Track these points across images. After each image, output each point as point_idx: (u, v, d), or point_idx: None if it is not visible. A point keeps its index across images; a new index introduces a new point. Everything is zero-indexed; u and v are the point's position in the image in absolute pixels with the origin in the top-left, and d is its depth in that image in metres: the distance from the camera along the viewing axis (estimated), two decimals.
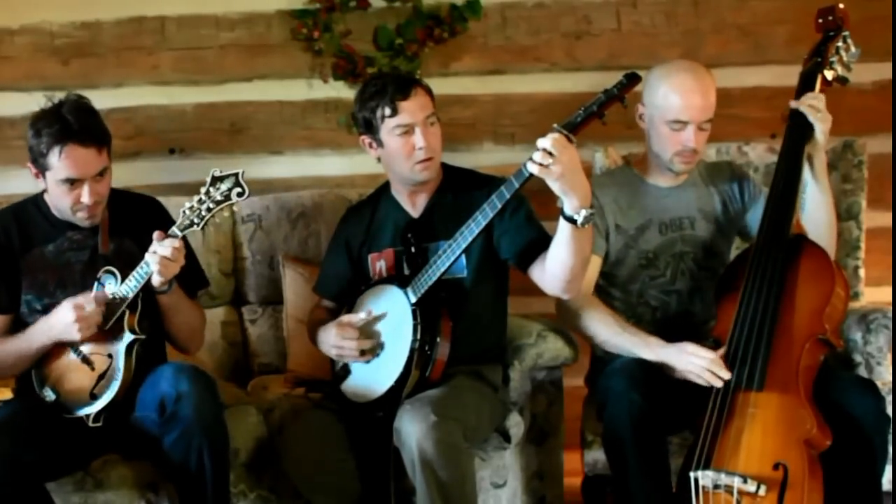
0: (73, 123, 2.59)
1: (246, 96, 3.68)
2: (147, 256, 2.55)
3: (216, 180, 2.56)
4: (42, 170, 2.64)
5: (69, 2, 3.60)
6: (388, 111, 2.69)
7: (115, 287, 2.63)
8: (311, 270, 3.23)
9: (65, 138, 2.57)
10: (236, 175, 2.55)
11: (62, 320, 2.60)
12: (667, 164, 2.81)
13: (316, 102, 3.69)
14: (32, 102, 3.56)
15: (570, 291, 2.65)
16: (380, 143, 2.75)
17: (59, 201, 2.67)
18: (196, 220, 2.56)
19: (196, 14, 3.63)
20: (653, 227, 2.85)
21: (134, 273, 2.59)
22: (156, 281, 2.57)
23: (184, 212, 2.57)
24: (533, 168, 2.39)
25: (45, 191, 2.75)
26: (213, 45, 3.64)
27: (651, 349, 2.66)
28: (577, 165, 2.40)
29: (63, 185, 2.62)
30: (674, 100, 2.72)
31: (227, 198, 2.55)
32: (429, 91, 2.76)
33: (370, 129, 2.75)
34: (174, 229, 2.57)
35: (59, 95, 2.69)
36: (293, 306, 3.31)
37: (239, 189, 2.54)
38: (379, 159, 2.80)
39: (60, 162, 2.59)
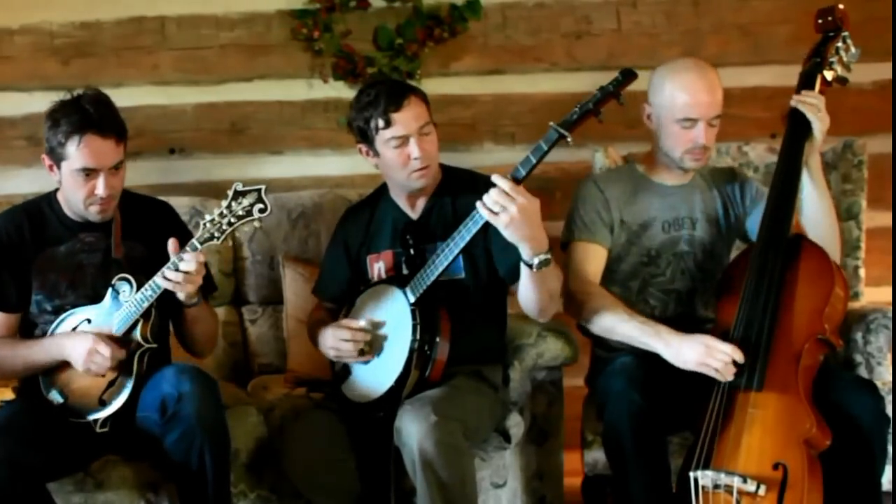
0: (93, 114, 2.59)
1: (246, 96, 3.68)
2: (167, 272, 2.53)
3: (238, 195, 2.52)
4: (58, 160, 2.63)
5: (69, 2, 3.61)
6: (381, 123, 2.67)
7: (129, 295, 2.63)
8: (311, 270, 3.23)
9: (84, 128, 2.57)
10: (259, 191, 2.52)
11: (75, 350, 2.60)
12: (678, 162, 2.80)
13: (316, 102, 3.69)
14: (32, 102, 3.61)
15: (544, 317, 2.70)
16: (375, 153, 2.74)
17: (74, 194, 2.66)
18: (216, 234, 2.53)
19: (196, 14, 3.63)
20: (656, 225, 2.85)
21: (150, 283, 2.58)
22: (181, 296, 2.57)
23: (204, 224, 2.54)
24: (482, 211, 2.43)
25: (57, 190, 2.74)
26: (213, 45, 3.64)
27: (661, 338, 2.61)
28: (527, 216, 2.41)
29: (79, 175, 2.61)
30: (681, 98, 2.72)
31: (249, 213, 2.51)
32: (424, 98, 2.74)
33: (365, 138, 2.74)
34: (194, 242, 2.54)
35: (78, 90, 2.68)
36: (293, 306, 3.31)
37: (261, 205, 2.51)
38: (377, 165, 2.80)
39: (78, 151, 2.58)
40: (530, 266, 2.50)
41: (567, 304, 2.82)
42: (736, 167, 3.17)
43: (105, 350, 2.57)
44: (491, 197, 2.41)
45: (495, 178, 2.42)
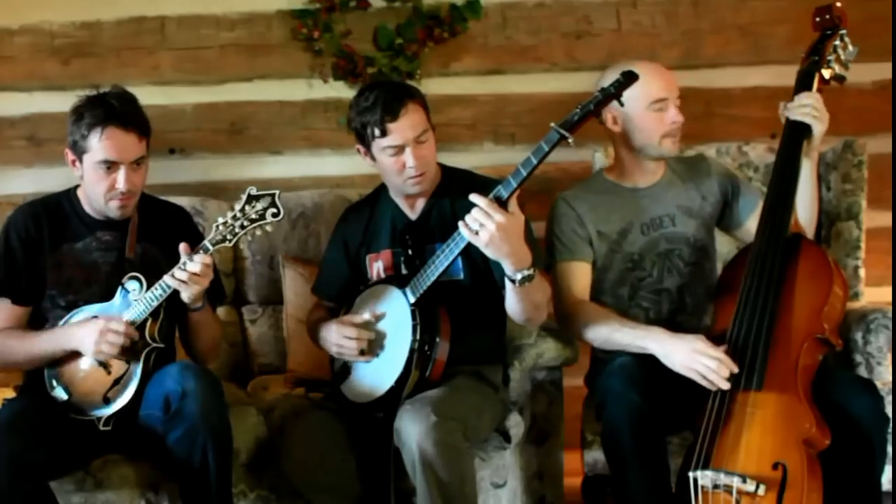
0: (117, 107, 2.62)
1: (246, 96, 3.69)
2: (175, 271, 2.55)
3: (252, 199, 2.56)
4: (80, 154, 2.65)
5: (69, 2, 3.62)
6: (377, 132, 2.67)
7: (138, 293, 2.64)
8: (311, 270, 3.23)
9: (107, 120, 2.60)
10: (273, 195, 2.56)
11: (86, 335, 2.60)
12: (657, 151, 2.80)
13: (316, 102, 3.69)
14: (32, 102, 3.62)
15: (531, 326, 2.77)
16: (372, 157, 2.75)
17: (94, 187, 2.67)
18: (229, 237, 2.56)
19: (196, 14, 3.64)
20: (634, 229, 2.85)
21: (160, 283, 2.59)
22: (185, 297, 2.58)
23: (217, 227, 2.57)
24: (463, 231, 2.45)
25: (77, 187, 2.76)
26: (214, 45, 3.65)
27: (654, 338, 2.62)
28: (506, 234, 2.42)
29: (100, 167, 2.63)
30: (649, 81, 2.72)
31: (262, 217, 2.55)
32: (422, 103, 2.72)
33: (363, 141, 2.75)
34: (206, 244, 2.57)
35: (105, 88, 2.72)
36: (293, 306, 3.31)
37: (274, 210, 2.55)
38: (374, 166, 2.80)
39: (101, 143, 2.60)
40: (513, 282, 2.52)
41: (561, 325, 2.86)
42: (703, 154, 3.15)
43: (117, 326, 2.57)
44: (471, 215, 2.44)
45: (472, 198, 2.44)
